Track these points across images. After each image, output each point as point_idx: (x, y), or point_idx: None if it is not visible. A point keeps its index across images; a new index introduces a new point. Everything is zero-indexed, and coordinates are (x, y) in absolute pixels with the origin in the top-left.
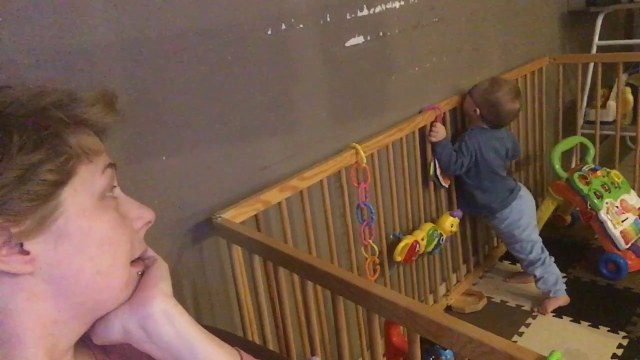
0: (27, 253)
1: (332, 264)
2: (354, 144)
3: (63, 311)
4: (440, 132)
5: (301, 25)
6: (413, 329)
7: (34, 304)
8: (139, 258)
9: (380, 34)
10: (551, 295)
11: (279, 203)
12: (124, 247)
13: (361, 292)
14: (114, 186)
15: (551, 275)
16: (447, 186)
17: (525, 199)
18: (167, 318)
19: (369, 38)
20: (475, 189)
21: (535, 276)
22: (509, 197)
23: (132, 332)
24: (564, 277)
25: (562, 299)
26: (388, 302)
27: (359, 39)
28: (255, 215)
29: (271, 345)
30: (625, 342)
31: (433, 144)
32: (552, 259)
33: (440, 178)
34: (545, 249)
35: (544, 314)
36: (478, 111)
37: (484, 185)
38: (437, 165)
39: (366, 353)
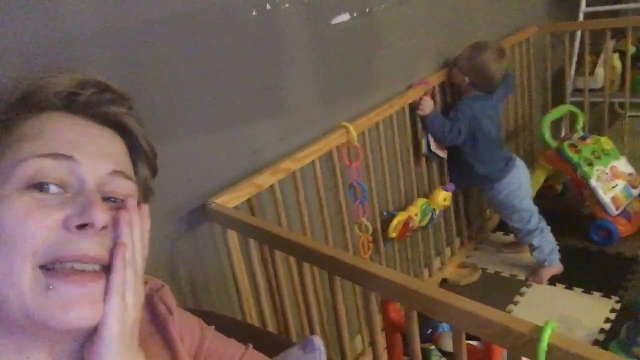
0: None
1: (327, 245)
2: (344, 123)
3: None
4: (427, 106)
5: (286, 5)
6: (410, 305)
7: None
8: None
9: (367, 10)
10: (546, 264)
11: (272, 186)
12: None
13: (357, 272)
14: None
15: (547, 244)
16: (445, 157)
17: (521, 168)
18: None
19: (355, 15)
20: (473, 160)
21: (532, 245)
22: (506, 166)
23: None
24: (556, 245)
25: (556, 268)
26: (384, 280)
27: (345, 16)
28: (249, 199)
29: (270, 327)
30: (618, 307)
31: (422, 119)
32: (549, 227)
33: (437, 151)
34: (542, 218)
35: (540, 283)
36: (467, 79)
37: (481, 155)
38: (429, 141)
39: (364, 330)
